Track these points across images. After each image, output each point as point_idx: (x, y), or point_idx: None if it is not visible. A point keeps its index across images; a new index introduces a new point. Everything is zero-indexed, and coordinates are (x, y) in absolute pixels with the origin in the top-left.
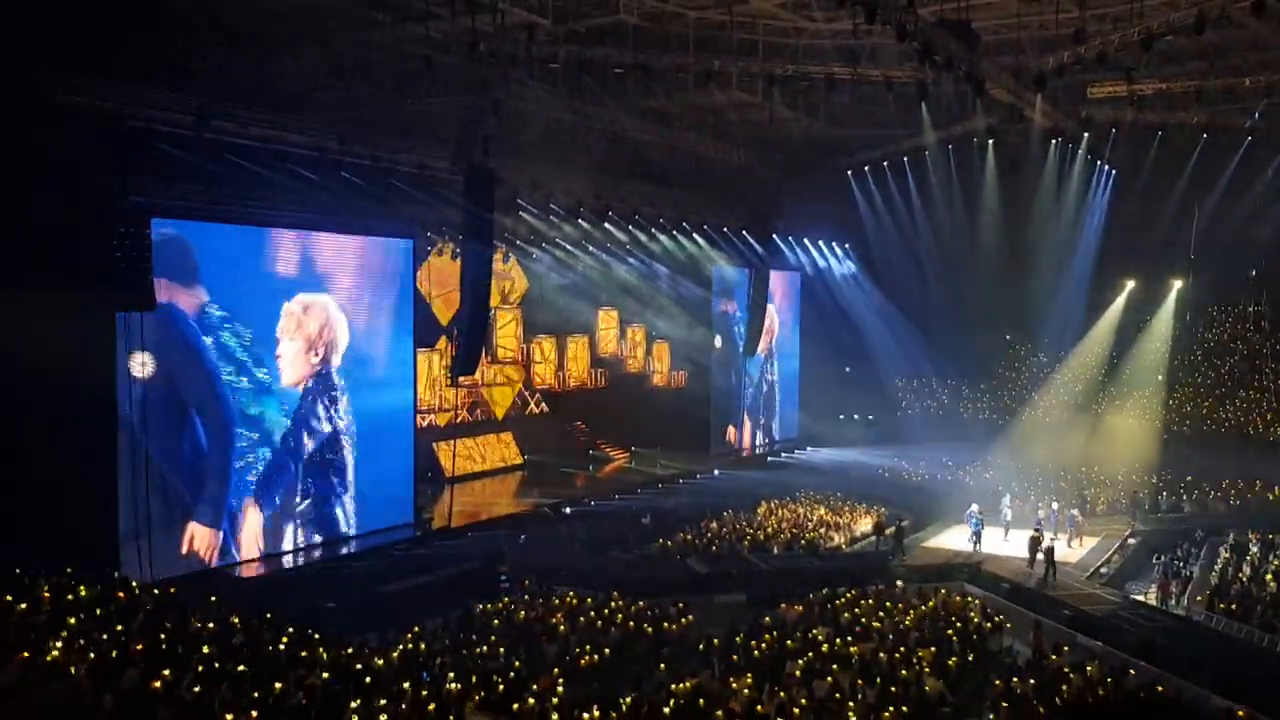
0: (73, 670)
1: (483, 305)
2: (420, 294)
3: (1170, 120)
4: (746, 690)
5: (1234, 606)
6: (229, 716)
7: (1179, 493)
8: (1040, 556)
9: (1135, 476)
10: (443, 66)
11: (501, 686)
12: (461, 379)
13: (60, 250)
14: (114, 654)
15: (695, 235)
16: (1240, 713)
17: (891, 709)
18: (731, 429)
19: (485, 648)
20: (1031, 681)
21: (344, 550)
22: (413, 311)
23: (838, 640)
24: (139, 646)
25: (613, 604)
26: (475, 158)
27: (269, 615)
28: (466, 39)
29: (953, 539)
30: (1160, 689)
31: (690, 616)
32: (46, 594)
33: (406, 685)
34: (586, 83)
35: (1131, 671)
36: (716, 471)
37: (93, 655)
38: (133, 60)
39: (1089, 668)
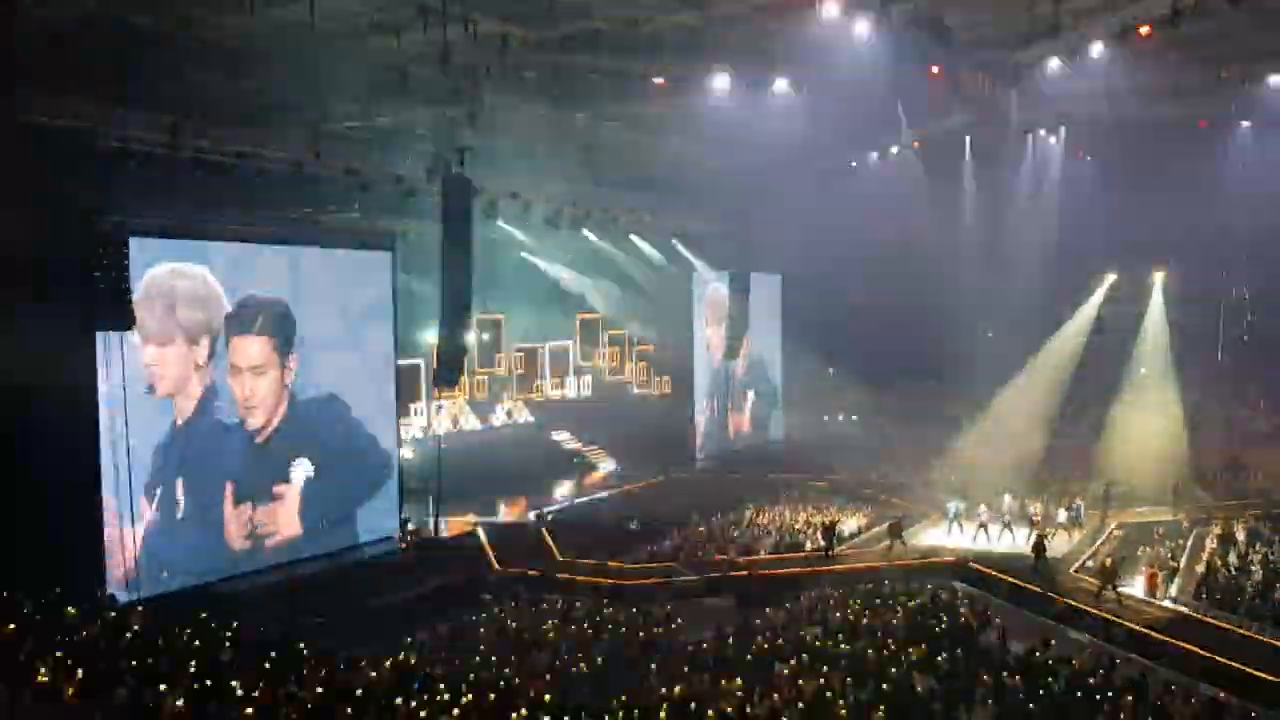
0: (64, 691)
1: (462, 317)
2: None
3: (1147, 113)
4: (738, 692)
5: (1220, 596)
6: None
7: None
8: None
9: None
10: (417, 78)
11: (493, 696)
12: (444, 391)
13: (39, 270)
14: (103, 673)
15: (674, 240)
16: (1222, 694)
17: (882, 707)
18: (731, 421)
19: (476, 658)
20: (1019, 676)
21: (330, 564)
22: (394, 324)
23: (827, 640)
24: (127, 665)
25: (603, 611)
26: (452, 168)
27: (257, 630)
28: (439, 50)
29: (938, 536)
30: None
31: (679, 620)
32: (34, 615)
33: (398, 698)
34: (561, 90)
35: (1119, 663)
36: (701, 469)
37: (81, 674)
38: (105, 79)
39: (1076, 660)
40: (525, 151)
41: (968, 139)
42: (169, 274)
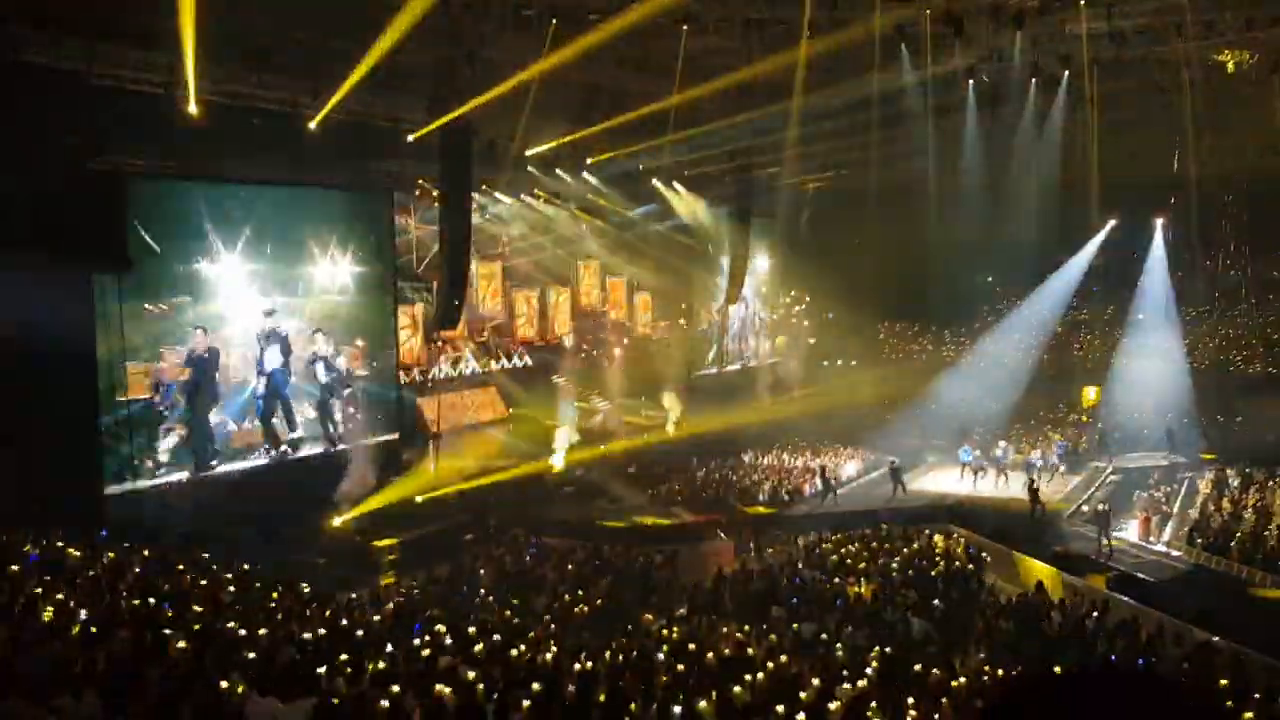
0: (66, 632)
1: (461, 259)
2: (399, 249)
3: (1150, 55)
4: (736, 634)
5: (1213, 541)
6: (224, 675)
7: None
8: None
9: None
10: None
11: (494, 638)
12: (442, 334)
13: (35, 212)
14: (105, 615)
15: (675, 182)
16: (1213, 637)
17: (878, 649)
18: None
19: (476, 600)
20: (1013, 620)
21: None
22: (394, 267)
23: (824, 583)
24: (129, 606)
25: (601, 554)
26: (450, 110)
27: (258, 571)
28: None
29: (935, 480)
30: (1137, 621)
31: (678, 563)
32: (35, 557)
33: (397, 639)
34: (561, 31)
35: (1111, 606)
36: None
37: (84, 615)
38: (100, 18)
39: (1069, 603)
40: (524, 92)
41: (970, 82)
42: None
